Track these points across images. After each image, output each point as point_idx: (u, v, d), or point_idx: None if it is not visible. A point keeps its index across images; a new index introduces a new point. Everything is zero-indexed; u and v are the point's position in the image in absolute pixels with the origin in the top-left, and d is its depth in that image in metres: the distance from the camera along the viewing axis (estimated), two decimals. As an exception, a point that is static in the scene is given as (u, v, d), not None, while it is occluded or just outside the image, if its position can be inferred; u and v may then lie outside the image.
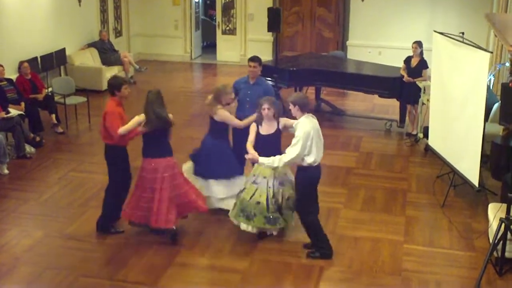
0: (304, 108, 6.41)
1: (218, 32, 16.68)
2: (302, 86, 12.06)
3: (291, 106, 6.42)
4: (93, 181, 8.61)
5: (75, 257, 6.62)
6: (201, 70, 16.48)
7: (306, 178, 6.52)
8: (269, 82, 11.23)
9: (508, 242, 6.29)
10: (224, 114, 7.23)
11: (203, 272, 6.51)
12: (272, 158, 6.44)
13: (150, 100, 6.61)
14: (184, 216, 7.09)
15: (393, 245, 6.99)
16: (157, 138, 6.71)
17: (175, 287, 6.18)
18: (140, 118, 6.68)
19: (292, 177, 6.85)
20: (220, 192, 7.44)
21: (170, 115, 6.77)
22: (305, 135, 6.26)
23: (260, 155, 6.53)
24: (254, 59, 7.90)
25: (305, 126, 6.31)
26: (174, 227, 6.85)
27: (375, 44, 15.28)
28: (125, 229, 7.12)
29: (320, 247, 6.67)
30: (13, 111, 9.61)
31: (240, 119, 7.38)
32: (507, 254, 6.36)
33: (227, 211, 7.15)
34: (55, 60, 12.62)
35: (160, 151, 6.74)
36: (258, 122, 6.90)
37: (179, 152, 9.71)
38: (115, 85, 6.84)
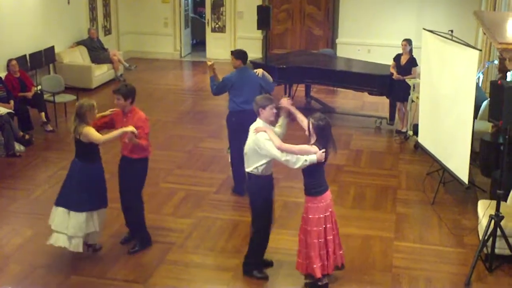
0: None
1: (208, 30, 16.66)
2: (292, 83, 12.06)
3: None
4: (83, 179, 8.58)
5: (65, 255, 6.57)
6: (190, 68, 16.44)
7: None
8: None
9: (497, 238, 6.34)
10: (89, 133, 6.16)
11: (194, 270, 6.49)
12: None
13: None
14: None
15: (383, 242, 7.02)
16: None
17: (166, 285, 6.17)
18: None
19: None
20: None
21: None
22: None
23: None
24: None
25: None
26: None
27: (365, 42, 15.30)
28: (112, 230, 7.12)
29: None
30: (2, 109, 9.56)
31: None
32: (497, 251, 6.41)
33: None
34: (44, 58, 12.55)
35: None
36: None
37: (168, 150, 9.77)
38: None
